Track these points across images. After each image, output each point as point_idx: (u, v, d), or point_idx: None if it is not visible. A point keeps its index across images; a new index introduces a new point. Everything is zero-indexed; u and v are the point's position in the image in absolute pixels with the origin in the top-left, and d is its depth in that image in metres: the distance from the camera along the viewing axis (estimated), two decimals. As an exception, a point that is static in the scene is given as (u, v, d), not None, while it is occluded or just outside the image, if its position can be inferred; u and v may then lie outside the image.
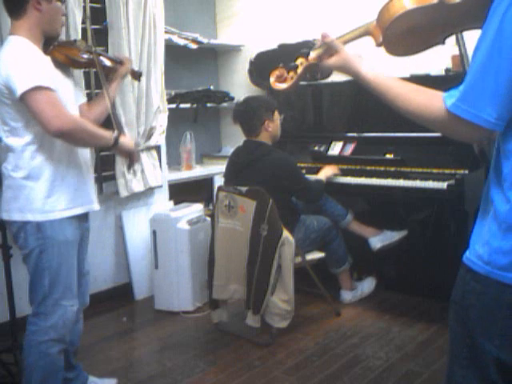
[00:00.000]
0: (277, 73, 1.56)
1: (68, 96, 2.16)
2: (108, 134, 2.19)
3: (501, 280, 1.15)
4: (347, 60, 1.39)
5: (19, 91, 1.94)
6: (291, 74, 1.53)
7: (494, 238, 1.17)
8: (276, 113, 3.23)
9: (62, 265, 2.12)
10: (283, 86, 1.55)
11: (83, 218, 2.28)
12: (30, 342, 2.13)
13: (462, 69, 3.04)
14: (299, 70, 1.51)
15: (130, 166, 2.52)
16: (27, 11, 2.04)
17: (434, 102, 1.20)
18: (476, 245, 1.21)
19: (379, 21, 1.44)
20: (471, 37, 1.83)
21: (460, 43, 2.97)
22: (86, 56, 2.29)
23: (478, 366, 1.20)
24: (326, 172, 3.38)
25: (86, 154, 2.28)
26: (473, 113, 1.12)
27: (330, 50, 1.43)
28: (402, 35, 1.44)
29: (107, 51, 3.38)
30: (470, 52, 2.86)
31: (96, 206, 2.34)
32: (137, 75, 2.66)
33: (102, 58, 2.39)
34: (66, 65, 2.23)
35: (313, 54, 1.47)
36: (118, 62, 2.45)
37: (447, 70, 3.34)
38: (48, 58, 2.13)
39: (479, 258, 1.19)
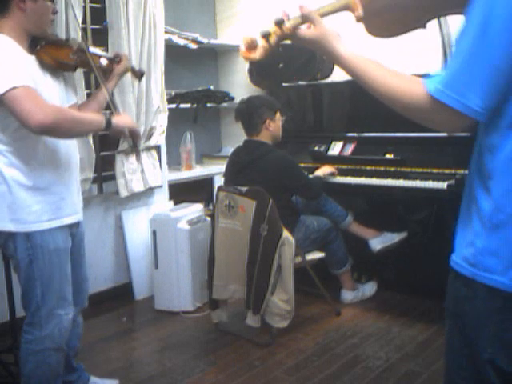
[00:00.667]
0: (248, 41, 1.40)
1: (52, 96, 2.05)
2: (98, 117, 2.08)
3: (487, 283, 1.10)
4: (324, 34, 1.27)
5: None
6: (263, 42, 1.39)
7: (478, 238, 1.12)
8: (278, 113, 3.24)
9: (55, 274, 2.05)
10: (254, 55, 1.40)
11: (73, 225, 2.18)
12: (26, 351, 2.09)
13: (443, 53, 2.97)
14: (272, 39, 1.38)
15: (134, 146, 2.36)
16: (11, 9, 1.96)
17: (414, 86, 1.12)
18: (461, 246, 1.16)
19: None
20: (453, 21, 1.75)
21: (442, 27, 2.91)
22: (76, 57, 2.17)
23: (479, 377, 1.15)
24: (324, 170, 3.39)
25: (73, 159, 2.17)
26: (458, 100, 1.05)
27: (306, 21, 1.31)
28: (383, 12, 1.35)
29: (107, 51, 3.37)
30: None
31: (80, 216, 2.23)
32: (138, 74, 2.58)
33: (96, 57, 2.29)
34: (52, 67, 2.10)
35: (288, 24, 1.33)
36: (115, 61, 2.35)
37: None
38: (32, 58, 2.03)
39: (465, 259, 1.14)
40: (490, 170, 1.11)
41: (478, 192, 1.14)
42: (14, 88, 1.84)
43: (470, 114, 1.06)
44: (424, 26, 1.40)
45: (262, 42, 1.39)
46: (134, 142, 2.27)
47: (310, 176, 3.33)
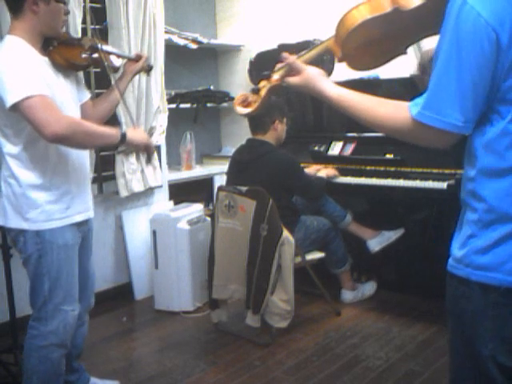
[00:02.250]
0: (241, 98, 1.54)
1: (65, 97, 2.09)
2: (113, 132, 2.10)
3: (481, 280, 1.14)
4: (310, 79, 1.37)
5: (9, 103, 1.88)
6: (254, 97, 1.52)
7: (471, 238, 1.16)
8: (285, 118, 3.28)
9: (62, 269, 2.09)
10: (247, 110, 1.52)
11: (83, 223, 2.22)
12: (30, 346, 2.11)
13: (421, 75, 2.97)
14: (262, 93, 1.49)
15: (148, 160, 2.37)
16: (24, 12, 1.98)
17: (399, 112, 1.20)
18: (455, 249, 1.20)
19: (336, 36, 1.40)
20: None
21: (417, 51, 2.93)
22: (88, 56, 2.18)
23: (483, 376, 1.18)
24: (328, 171, 3.39)
25: (83, 160, 2.20)
26: (439, 119, 1.11)
27: (292, 70, 1.41)
28: (360, 48, 1.40)
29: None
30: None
31: (92, 213, 2.28)
32: (147, 69, 2.51)
33: (110, 55, 2.29)
34: (64, 67, 2.12)
35: (275, 76, 1.46)
36: (133, 59, 2.37)
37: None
38: (45, 59, 2.06)
39: (459, 261, 1.18)
40: (480, 168, 1.15)
41: (467, 195, 1.18)
42: (30, 97, 1.88)
43: (453, 129, 1.12)
44: (405, 52, 1.45)
45: (254, 97, 1.52)
46: (148, 156, 2.31)
47: (313, 177, 3.33)
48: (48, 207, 2.05)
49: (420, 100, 1.15)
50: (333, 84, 1.35)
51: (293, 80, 1.41)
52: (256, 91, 1.50)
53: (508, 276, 1.11)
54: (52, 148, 2.04)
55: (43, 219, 2.04)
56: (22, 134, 2.00)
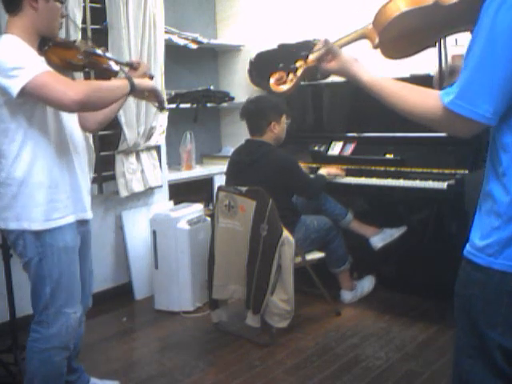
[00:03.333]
0: (276, 75, 1.58)
1: None
2: (122, 81, 2.06)
3: (503, 269, 1.20)
4: (345, 64, 1.43)
5: (17, 88, 1.85)
6: (291, 76, 1.55)
7: (497, 230, 1.21)
8: (284, 117, 3.26)
9: (64, 272, 2.07)
10: (283, 88, 1.57)
11: (81, 223, 2.20)
12: (32, 348, 2.10)
13: (439, 70, 2.98)
14: (298, 73, 1.53)
15: (161, 105, 2.29)
16: (23, 8, 1.97)
17: (429, 99, 1.25)
18: (476, 238, 1.26)
19: (375, 23, 1.47)
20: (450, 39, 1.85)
21: (442, 46, 2.95)
22: (83, 57, 2.15)
23: (485, 355, 1.24)
24: (330, 170, 3.38)
25: (82, 159, 2.18)
26: (470, 109, 1.17)
27: (328, 53, 1.46)
28: (397, 37, 1.47)
29: (107, 51, 3.37)
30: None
31: (89, 215, 2.23)
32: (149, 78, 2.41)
33: (105, 59, 2.24)
34: (61, 67, 2.08)
35: (312, 57, 1.49)
36: (132, 67, 2.29)
37: (447, 70, 3.34)
38: (41, 59, 2.03)
39: (480, 250, 1.24)
40: (505, 167, 1.21)
41: (494, 188, 1.23)
42: (36, 76, 1.86)
43: (482, 120, 1.18)
44: (434, 45, 1.54)
45: (290, 76, 1.55)
46: (159, 101, 2.25)
47: (312, 175, 3.33)
48: (48, 206, 2.03)
49: (452, 90, 1.20)
50: (367, 69, 1.40)
51: (329, 64, 1.46)
52: (293, 70, 1.54)
53: None
54: (50, 145, 2.02)
55: (42, 219, 2.02)
56: (24, 128, 1.98)
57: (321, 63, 1.48)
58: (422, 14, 1.40)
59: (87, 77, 3.30)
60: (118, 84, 2.07)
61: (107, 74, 2.23)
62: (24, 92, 1.87)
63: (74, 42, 2.31)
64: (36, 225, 2.01)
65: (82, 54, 2.15)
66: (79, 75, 3.12)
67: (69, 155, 2.10)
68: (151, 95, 2.22)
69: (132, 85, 2.06)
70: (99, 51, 2.23)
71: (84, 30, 3.32)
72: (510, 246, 1.20)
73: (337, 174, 3.38)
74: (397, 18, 1.41)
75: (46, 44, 2.08)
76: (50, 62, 2.06)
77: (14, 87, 1.86)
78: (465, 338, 1.30)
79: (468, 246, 1.28)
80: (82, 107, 1.94)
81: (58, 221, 2.05)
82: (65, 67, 2.13)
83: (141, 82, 2.14)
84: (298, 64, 1.53)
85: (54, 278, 2.05)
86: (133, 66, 2.31)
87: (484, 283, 1.23)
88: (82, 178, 2.17)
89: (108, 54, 2.30)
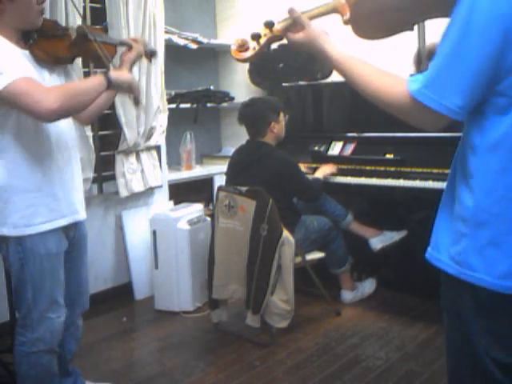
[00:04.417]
0: (239, 41, 1.47)
1: None
2: (98, 79, 1.96)
3: (471, 281, 1.14)
4: (313, 36, 1.34)
5: None
6: (254, 43, 1.46)
7: (462, 237, 1.15)
8: (281, 114, 3.26)
9: (46, 278, 2.01)
10: (244, 55, 1.47)
11: (70, 227, 2.12)
12: (19, 353, 2.09)
13: (417, 57, 2.97)
14: (262, 41, 1.45)
15: (136, 100, 2.19)
16: None
17: (396, 85, 1.17)
18: (446, 244, 1.20)
19: None
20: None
21: (420, 32, 2.88)
22: (73, 47, 2.02)
23: (480, 372, 1.18)
24: (324, 170, 3.39)
25: (69, 159, 2.08)
26: (436, 100, 1.09)
27: (296, 24, 1.37)
28: (369, 14, 1.38)
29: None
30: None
31: (82, 215, 2.16)
32: (149, 55, 2.29)
33: (102, 44, 2.08)
34: (47, 62, 1.98)
35: (278, 26, 1.41)
36: (127, 46, 2.17)
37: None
38: (26, 53, 1.93)
39: (451, 258, 1.18)
40: (472, 169, 1.13)
41: (460, 190, 1.17)
42: (11, 83, 1.77)
43: (449, 113, 1.09)
44: (412, 29, 1.42)
45: (253, 44, 1.45)
46: (135, 96, 2.15)
47: (310, 177, 3.32)
48: (29, 211, 1.95)
49: (420, 77, 1.12)
50: (336, 44, 1.31)
51: (296, 35, 1.37)
52: (256, 37, 1.44)
53: (496, 280, 1.11)
54: (33, 147, 1.95)
55: (24, 224, 1.94)
56: (3, 131, 1.91)
57: (287, 33, 1.39)
58: None
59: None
60: (93, 83, 1.96)
61: (99, 61, 2.11)
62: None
63: (66, 29, 2.11)
64: (16, 230, 1.95)
65: (72, 43, 2.03)
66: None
67: (55, 157, 2.01)
68: (129, 89, 2.09)
69: (108, 80, 1.96)
70: (94, 35, 2.07)
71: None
72: (476, 256, 1.13)
73: (332, 172, 3.39)
74: None
75: (31, 36, 1.95)
76: (36, 57, 1.96)
77: None
78: (457, 356, 1.24)
79: (434, 252, 1.23)
80: (59, 116, 1.86)
81: (40, 226, 1.98)
82: (52, 62, 2.02)
83: (118, 75, 2.01)
84: (262, 32, 1.44)
85: (36, 285, 2.00)
86: (128, 45, 2.18)
87: (461, 295, 1.18)
88: (71, 179, 2.09)
89: (102, 38, 2.14)
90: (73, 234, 2.16)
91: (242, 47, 1.46)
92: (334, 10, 1.42)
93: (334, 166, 3.42)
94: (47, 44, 1.99)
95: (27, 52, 1.95)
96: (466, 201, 1.14)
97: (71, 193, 2.08)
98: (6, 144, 1.92)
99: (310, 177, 3.33)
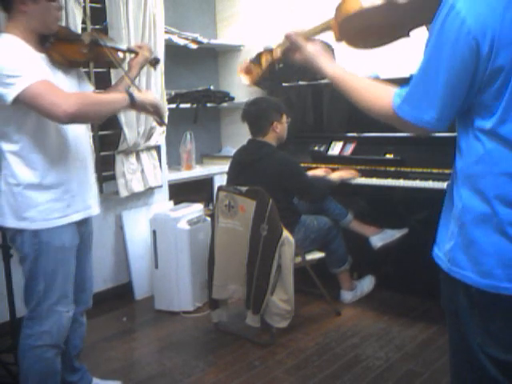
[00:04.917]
0: (245, 66, 1.62)
1: None
2: (121, 95, 2.06)
3: (460, 279, 1.18)
4: (309, 56, 1.45)
5: (10, 97, 1.85)
6: (256, 69, 1.60)
7: (453, 235, 1.20)
8: (284, 115, 3.25)
9: (58, 271, 2.07)
10: (248, 79, 1.61)
11: (82, 222, 2.21)
12: (24, 346, 2.11)
13: None
14: (264, 66, 1.58)
15: (160, 122, 2.26)
16: (14, 11, 1.96)
17: (383, 99, 1.25)
18: (442, 241, 1.25)
19: (335, 17, 1.46)
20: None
21: None
22: (87, 52, 2.12)
23: (479, 370, 1.20)
24: (343, 174, 3.34)
25: (85, 156, 2.18)
26: (414, 115, 1.17)
27: (292, 46, 1.48)
28: (358, 32, 1.45)
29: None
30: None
31: (95, 211, 2.26)
32: (153, 62, 2.46)
33: (113, 50, 2.22)
34: (63, 65, 2.08)
35: (276, 51, 1.53)
36: (134, 53, 2.31)
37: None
38: (42, 56, 2.02)
39: (445, 254, 1.23)
40: (458, 170, 1.20)
41: (454, 191, 1.23)
42: (30, 86, 1.85)
43: (427, 126, 1.17)
44: (408, 35, 1.47)
45: (255, 69, 1.61)
46: (159, 117, 2.22)
47: (318, 179, 3.28)
48: (46, 206, 2.03)
49: (403, 91, 1.20)
50: (331, 61, 1.42)
51: (294, 56, 1.49)
52: (257, 62, 1.58)
53: (479, 278, 1.14)
54: (51, 145, 2.02)
55: (41, 218, 2.02)
56: (24, 130, 1.98)
57: (286, 55, 1.51)
58: (379, 11, 1.37)
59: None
60: (116, 98, 2.06)
61: (110, 66, 2.24)
62: (18, 100, 1.87)
63: (79, 35, 2.25)
64: (34, 225, 2.02)
65: (86, 47, 2.12)
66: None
67: (72, 156, 2.10)
68: (154, 110, 2.16)
69: (132, 99, 2.04)
70: (105, 41, 2.18)
71: (84, 30, 3.31)
72: (462, 254, 1.17)
73: (351, 177, 3.33)
74: (352, 15, 1.39)
75: (48, 40, 2.04)
76: (51, 60, 2.04)
77: (9, 95, 1.86)
78: (458, 354, 1.27)
79: (435, 248, 1.27)
80: (73, 120, 1.92)
81: (57, 220, 2.05)
82: (67, 65, 2.11)
83: (144, 97, 2.11)
84: (263, 58, 1.57)
85: (48, 277, 2.06)
86: (135, 52, 2.31)
87: (456, 294, 1.21)
88: (86, 175, 2.19)
89: (111, 43, 2.26)
90: (84, 229, 2.24)
91: (247, 71, 1.62)
92: (328, 28, 1.50)
93: (355, 172, 3.35)
94: (63, 48, 2.08)
95: (44, 55, 2.03)
96: (457, 202, 1.20)
97: (86, 189, 2.18)
98: (25, 143, 1.99)
99: (316, 176, 3.30)
